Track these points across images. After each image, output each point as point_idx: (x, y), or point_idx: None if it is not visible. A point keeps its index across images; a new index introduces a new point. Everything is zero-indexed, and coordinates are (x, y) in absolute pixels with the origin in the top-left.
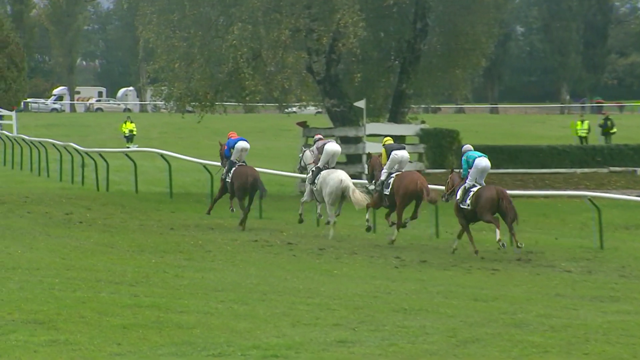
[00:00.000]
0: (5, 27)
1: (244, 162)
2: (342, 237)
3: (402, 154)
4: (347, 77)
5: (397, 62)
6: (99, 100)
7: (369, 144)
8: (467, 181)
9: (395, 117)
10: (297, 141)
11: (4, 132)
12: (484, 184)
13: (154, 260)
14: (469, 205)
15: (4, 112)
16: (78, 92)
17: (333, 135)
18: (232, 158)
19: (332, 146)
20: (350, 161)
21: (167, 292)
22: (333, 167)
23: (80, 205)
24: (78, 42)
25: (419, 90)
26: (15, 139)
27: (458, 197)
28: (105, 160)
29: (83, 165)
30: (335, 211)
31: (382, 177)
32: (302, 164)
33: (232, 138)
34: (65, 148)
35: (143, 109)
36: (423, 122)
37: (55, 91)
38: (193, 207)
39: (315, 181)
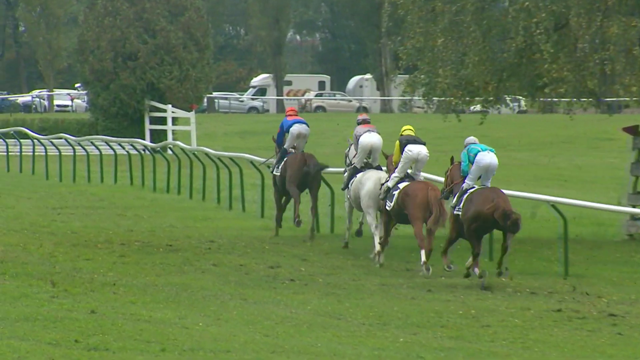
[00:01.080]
0: None
1: (302, 152)
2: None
3: (419, 150)
4: None
5: None
6: (320, 95)
7: None
8: (466, 181)
9: None
10: (623, 157)
11: (178, 143)
12: (489, 186)
13: (402, 338)
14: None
15: (179, 113)
16: (288, 83)
17: None
18: (285, 146)
19: (370, 138)
20: None
21: None
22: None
23: (291, 254)
24: (289, 6)
25: None
26: (194, 154)
27: (454, 201)
28: (329, 187)
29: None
30: (376, 225)
31: (390, 183)
32: (348, 161)
33: (288, 119)
34: (267, 166)
35: (386, 107)
36: None
37: (255, 81)
38: (459, 257)
39: (349, 185)
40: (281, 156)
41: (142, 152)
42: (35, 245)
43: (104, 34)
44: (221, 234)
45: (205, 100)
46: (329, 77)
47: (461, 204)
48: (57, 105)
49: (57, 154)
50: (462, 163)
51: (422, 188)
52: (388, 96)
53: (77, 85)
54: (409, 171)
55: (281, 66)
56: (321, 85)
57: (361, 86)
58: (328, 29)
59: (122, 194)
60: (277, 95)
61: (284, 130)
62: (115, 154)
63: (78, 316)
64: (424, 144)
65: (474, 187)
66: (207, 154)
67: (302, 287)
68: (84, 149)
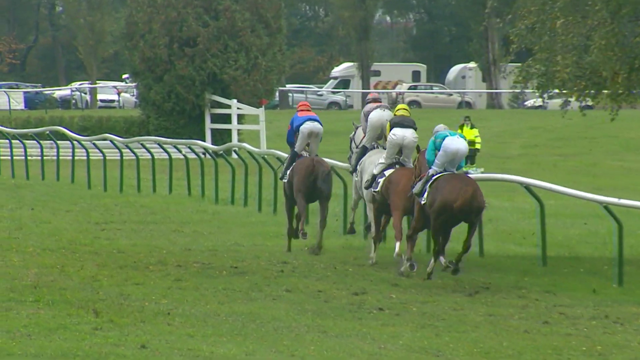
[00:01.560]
0: None
1: (316, 155)
2: None
3: (404, 134)
4: None
5: None
6: (414, 88)
7: None
8: (432, 167)
9: None
10: None
11: (244, 145)
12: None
13: None
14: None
15: (246, 109)
16: (376, 73)
17: None
18: (296, 148)
19: (380, 115)
20: None
21: None
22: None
23: (379, 278)
24: None
25: None
26: (264, 158)
27: (416, 188)
28: None
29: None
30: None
31: (376, 170)
32: (353, 145)
33: (299, 115)
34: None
35: (493, 101)
36: None
37: (336, 71)
38: (582, 281)
39: (358, 167)
40: (291, 160)
41: (202, 155)
42: (75, 268)
43: (157, 15)
44: (296, 254)
45: (277, 94)
46: (424, 66)
47: (426, 193)
48: (101, 101)
49: (101, 158)
50: (427, 151)
51: (406, 175)
52: (496, 88)
53: (124, 76)
54: (401, 158)
55: (368, 53)
56: (415, 76)
57: (463, 77)
58: (424, 8)
59: (178, 206)
60: (363, 88)
61: (294, 128)
62: (170, 159)
63: (126, 352)
64: (412, 128)
65: (439, 174)
66: (279, 158)
67: (393, 317)
68: (133, 152)
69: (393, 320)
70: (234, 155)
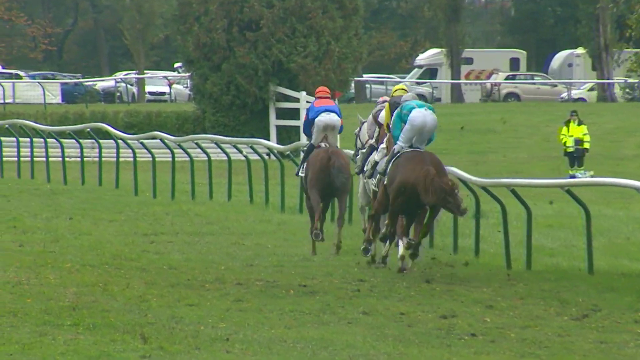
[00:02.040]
0: None
1: (336, 147)
2: None
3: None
4: None
5: None
6: (512, 77)
7: None
8: (397, 143)
9: None
10: None
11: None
12: (422, 150)
13: None
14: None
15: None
16: (468, 61)
17: None
18: (312, 140)
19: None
20: None
21: None
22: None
23: (471, 298)
24: None
25: None
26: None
27: (382, 165)
28: (526, 207)
29: (478, 213)
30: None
31: (377, 156)
32: (359, 144)
33: (315, 105)
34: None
35: (605, 94)
36: None
37: (421, 58)
38: None
39: (365, 168)
40: (307, 153)
41: (266, 157)
42: (120, 286)
43: None
44: (374, 271)
45: (353, 85)
46: (524, 52)
47: (388, 170)
48: (150, 93)
49: (150, 159)
50: (392, 124)
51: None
52: (608, 78)
53: (176, 65)
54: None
55: (458, 38)
56: (514, 63)
57: (570, 65)
58: None
59: (239, 215)
60: (452, 79)
61: (309, 119)
62: (229, 160)
63: None
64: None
65: (405, 150)
66: (353, 160)
67: (487, 344)
68: (187, 152)
69: (487, 348)
70: None
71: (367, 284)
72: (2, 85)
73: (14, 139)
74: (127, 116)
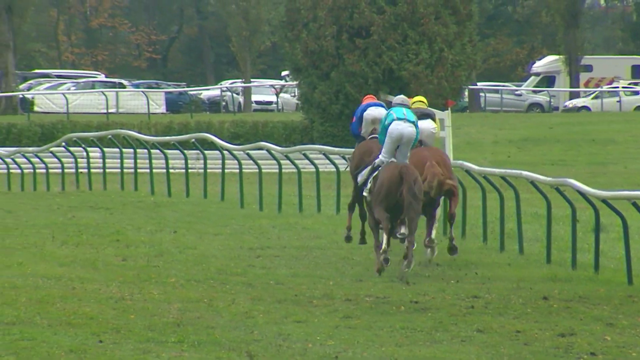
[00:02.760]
0: None
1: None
2: None
3: (421, 125)
4: None
5: None
6: (635, 85)
7: None
8: (379, 155)
9: None
10: None
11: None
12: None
13: None
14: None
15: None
16: (587, 69)
17: None
18: (362, 132)
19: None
20: None
21: None
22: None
23: (592, 316)
24: None
25: None
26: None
27: (360, 177)
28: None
29: (597, 227)
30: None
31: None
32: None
33: (363, 103)
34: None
35: None
36: None
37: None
38: None
39: (369, 182)
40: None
41: None
42: (226, 302)
43: (323, 0)
44: (489, 287)
45: (466, 93)
46: None
47: (369, 184)
48: (256, 102)
49: (257, 171)
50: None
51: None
52: None
53: (284, 73)
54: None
55: (577, 44)
56: (635, 71)
57: None
58: None
59: None
60: (571, 87)
61: (357, 116)
62: (338, 171)
63: None
64: (430, 118)
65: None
66: (467, 171)
67: None
68: (294, 163)
69: None
70: None
71: (482, 300)
72: (105, 95)
73: (117, 149)
74: (232, 126)
